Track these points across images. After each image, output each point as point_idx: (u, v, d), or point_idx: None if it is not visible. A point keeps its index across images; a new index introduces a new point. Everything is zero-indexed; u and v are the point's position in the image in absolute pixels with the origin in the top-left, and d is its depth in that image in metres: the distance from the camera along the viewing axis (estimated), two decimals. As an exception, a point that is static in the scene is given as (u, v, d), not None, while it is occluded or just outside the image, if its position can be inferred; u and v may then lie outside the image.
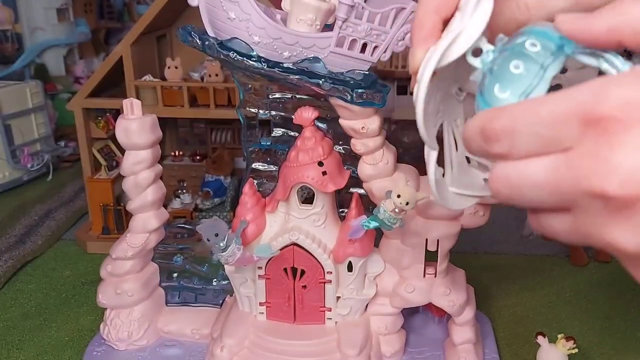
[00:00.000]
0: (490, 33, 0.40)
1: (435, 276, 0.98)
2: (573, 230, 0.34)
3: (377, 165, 0.90)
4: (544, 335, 0.97)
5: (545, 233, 0.37)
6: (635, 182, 0.29)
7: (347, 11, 0.81)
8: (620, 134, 0.29)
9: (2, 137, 1.79)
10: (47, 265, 1.43)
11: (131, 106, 0.97)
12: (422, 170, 0.98)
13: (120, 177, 1.12)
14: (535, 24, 0.38)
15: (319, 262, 0.96)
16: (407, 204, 0.79)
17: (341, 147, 0.96)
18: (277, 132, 1.00)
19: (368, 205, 0.96)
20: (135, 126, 0.96)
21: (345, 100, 0.84)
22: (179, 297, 1.14)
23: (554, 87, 0.38)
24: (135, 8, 2.91)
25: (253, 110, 0.98)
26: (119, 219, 1.49)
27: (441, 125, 0.46)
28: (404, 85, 2.14)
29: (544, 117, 0.33)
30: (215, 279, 1.13)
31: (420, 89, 0.40)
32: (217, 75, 1.39)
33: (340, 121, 0.88)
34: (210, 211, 1.55)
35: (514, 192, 0.35)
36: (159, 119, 1.01)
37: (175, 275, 1.14)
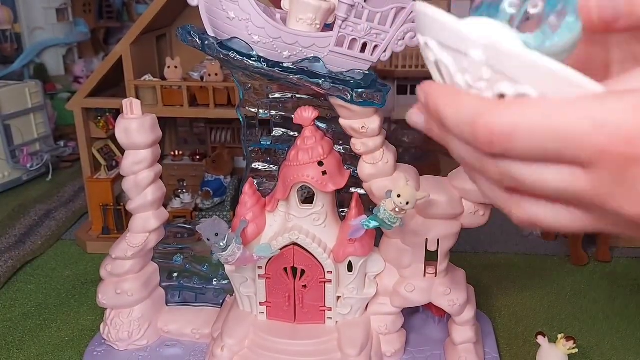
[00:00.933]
0: None
1: (435, 276, 0.98)
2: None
3: (377, 165, 0.90)
4: (544, 335, 0.97)
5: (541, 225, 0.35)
6: None
7: (347, 10, 0.81)
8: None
9: (2, 137, 1.79)
10: (47, 265, 1.43)
11: (131, 106, 0.97)
12: (422, 170, 0.99)
13: (120, 177, 1.12)
14: None
15: (319, 262, 0.96)
16: (407, 203, 0.79)
17: (341, 147, 0.96)
18: (277, 131, 1.00)
19: (368, 205, 0.96)
20: (135, 126, 0.96)
21: (345, 100, 0.83)
22: (179, 297, 1.14)
23: None
24: (135, 8, 2.91)
25: (253, 110, 0.98)
26: (118, 219, 1.49)
27: None
28: (404, 85, 2.14)
29: (553, 132, 0.29)
30: (215, 279, 1.13)
31: None
32: (216, 75, 1.39)
33: (340, 121, 0.88)
34: (210, 211, 1.54)
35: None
36: (159, 118, 1.01)
37: (175, 275, 1.14)
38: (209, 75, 1.40)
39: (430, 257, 0.97)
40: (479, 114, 0.31)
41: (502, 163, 0.32)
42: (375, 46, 0.85)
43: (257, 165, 1.01)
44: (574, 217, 0.33)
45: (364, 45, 0.85)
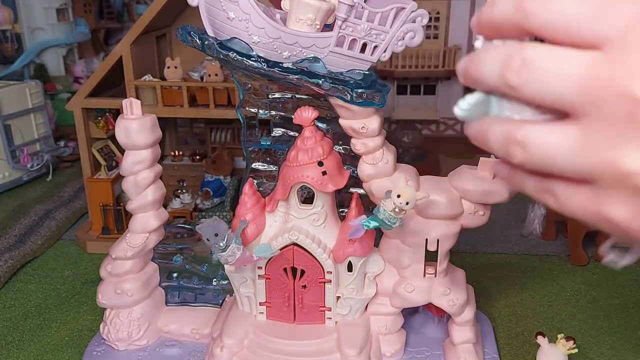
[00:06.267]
0: None
1: (435, 276, 0.98)
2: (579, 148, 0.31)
3: (377, 165, 0.90)
4: (543, 335, 0.97)
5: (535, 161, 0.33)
6: None
7: (346, 11, 0.81)
8: None
9: (2, 137, 1.79)
10: (47, 265, 1.43)
11: (131, 106, 0.97)
12: (422, 171, 0.99)
13: (120, 177, 1.12)
14: None
15: (319, 262, 0.96)
16: (407, 203, 0.79)
17: (341, 147, 0.96)
18: (277, 132, 1.00)
19: (368, 205, 0.96)
20: (135, 126, 0.96)
21: (345, 100, 0.84)
22: (178, 297, 1.14)
23: None
24: (135, 8, 2.91)
25: (253, 110, 0.98)
26: (118, 219, 1.49)
27: None
28: (404, 85, 2.15)
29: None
30: (215, 279, 1.13)
31: None
32: (216, 75, 1.39)
33: (340, 121, 0.88)
34: (210, 211, 1.55)
35: (533, 80, 0.32)
36: (159, 118, 1.01)
37: (175, 275, 1.14)
38: (209, 75, 1.40)
39: (430, 257, 0.97)
40: None
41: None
42: (375, 46, 0.85)
43: (257, 165, 1.01)
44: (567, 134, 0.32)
45: (364, 46, 0.85)
